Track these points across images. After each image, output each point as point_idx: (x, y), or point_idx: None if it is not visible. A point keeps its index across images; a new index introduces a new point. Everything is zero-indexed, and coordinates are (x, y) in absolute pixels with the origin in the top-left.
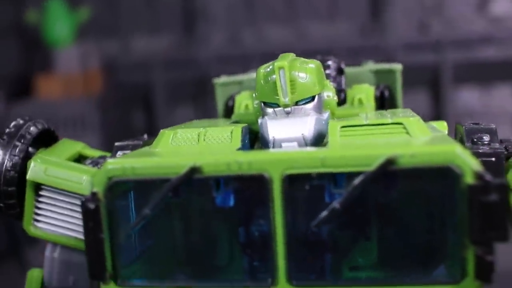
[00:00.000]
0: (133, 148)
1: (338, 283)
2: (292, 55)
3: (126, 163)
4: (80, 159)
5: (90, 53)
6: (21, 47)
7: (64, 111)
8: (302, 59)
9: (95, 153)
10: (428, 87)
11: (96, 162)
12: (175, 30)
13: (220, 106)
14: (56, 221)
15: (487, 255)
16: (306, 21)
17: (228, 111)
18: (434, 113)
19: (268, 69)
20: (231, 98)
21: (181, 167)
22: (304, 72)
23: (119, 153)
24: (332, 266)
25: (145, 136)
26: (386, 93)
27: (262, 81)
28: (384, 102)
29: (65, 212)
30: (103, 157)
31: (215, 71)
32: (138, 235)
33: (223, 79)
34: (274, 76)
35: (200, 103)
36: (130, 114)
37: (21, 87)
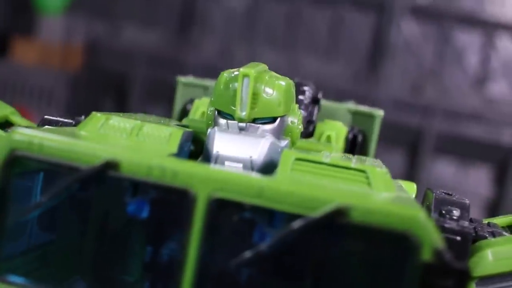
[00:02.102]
0: (63, 126)
1: None
2: (263, 66)
3: (35, 137)
4: (5, 125)
5: (76, 29)
6: (7, 5)
7: (35, 79)
8: (274, 73)
9: (22, 121)
10: (406, 149)
11: None
12: (169, 28)
13: (177, 107)
14: None
15: None
16: (303, 53)
17: (184, 115)
18: (406, 177)
19: (232, 75)
20: (191, 101)
21: (95, 158)
22: (272, 88)
23: (46, 127)
24: None
25: (82, 118)
26: (360, 138)
27: (222, 86)
28: (354, 147)
29: None
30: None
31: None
32: (30, 226)
33: (188, 78)
34: (236, 84)
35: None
36: (101, 100)
37: None
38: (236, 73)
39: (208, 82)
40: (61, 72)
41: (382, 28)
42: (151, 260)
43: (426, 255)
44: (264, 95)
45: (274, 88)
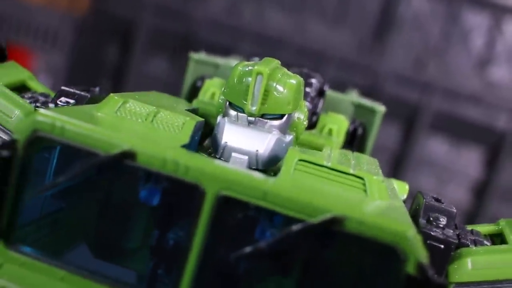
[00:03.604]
0: (79, 99)
1: None
2: (276, 62)
3: (58, 120)
4: (22, 89)
5: None
6: None
7: (41, 19)
8: (286, 70)
9: (39, 87)
10: (403, 123)
11: (35, 99)
12: None
13: (187, 83)
14: None
15: None
16: (310, 18)
17: (194, 91)
18: (400, 150)
19: (247, 69)
20: (202, 79)
21: (114, 147)
22: (283, 86)
23: (62, 99)
24: None
25: (97, 89)
26: (360, 131)
27: (235, 79)
28: (354, 139)
29: None
30: (45, 96)
31: (203, 33)
32: (46, 201)
33: (200, 55)
34: (249, 79)
35: (177, 59)
36: (105, 46)
37: None
38: (250, 67)
39: (220, 61)
40: (68, 14)
41: (392, 0)
42: (157, 244)
43: (411, 268)
44: (275, 93)
45: (285, 87)
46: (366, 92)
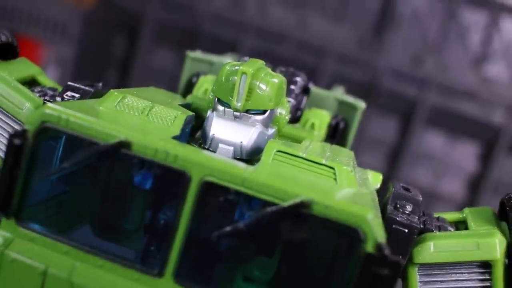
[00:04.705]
0: (83, 93)
1: None
2: (261, 63)
3: (64, 113)
4: (32, 83)
5: None
6: None
7: (50, 12)
8: (269, 70)
9: (48, 82)
10: (400, 117)
11: (44, 93)
12: None
13: (184, 78)
14: None
15: None
16: (312, 13)
17: (189, 87)
18: (397, 144)
19: (233, 69)
20: (197, 75)
21: (112, 137)
22: (266, 84)
23: (68, 93)
24: (219, 277)
25: (100, 85)
26: (342, 125)
27: (223, 78)
28: (336, 133)
29: None
30: (53, 90)
31: (208, 27)
32: (53, 184)
33: (196, 53)
34: (235, 78)
35: (182, 51)
36: (113, 38)
37: None
38: (236, 67)
39: (214, 58)
40: (76, 7)
41: None
42: (149, 223)
43: (370, 247)
44: (258, 90)
45: (268, 85)
46: (365, 87)
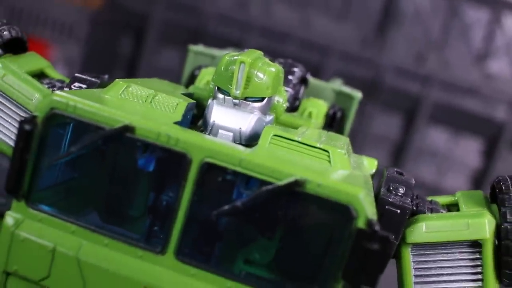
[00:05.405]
0: (90, 84)
1: (218, 268)
2: (259, 53)
3: (71, 100)
4: (41, 76)
5: None
6: None
7: (58, 13)
8: (267, 60)
9: (56, 75)
10: (404, 114)
11: (53, 85)
12: None
13: (186, 71)
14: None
15: None
16: (315, 12)
17: (191, 79)
18: (401, 140)
19: (232, 59)
20: (199, 68)
21: (117, 122)
22: (263, 73)
23: (76, 84)
24: (219, 255)
25: (106, 77)
26: (339, 115)
27: (222, 67)
28: (333, 122)
29: (8, 119)
30: (61, 82)
31: (213, 27)
32: (61, 168)
33: (198, 47)
34: (234, 67)
35: (187, 51)
36: (119, 38)
37: None
38: (235, 57)
39: (216, 52)
40: (83, 8)
41: None
42: (153, 204)
43: (361, 223)
44: (256, 79)
45: (265, 74)
46: (368, 84)
